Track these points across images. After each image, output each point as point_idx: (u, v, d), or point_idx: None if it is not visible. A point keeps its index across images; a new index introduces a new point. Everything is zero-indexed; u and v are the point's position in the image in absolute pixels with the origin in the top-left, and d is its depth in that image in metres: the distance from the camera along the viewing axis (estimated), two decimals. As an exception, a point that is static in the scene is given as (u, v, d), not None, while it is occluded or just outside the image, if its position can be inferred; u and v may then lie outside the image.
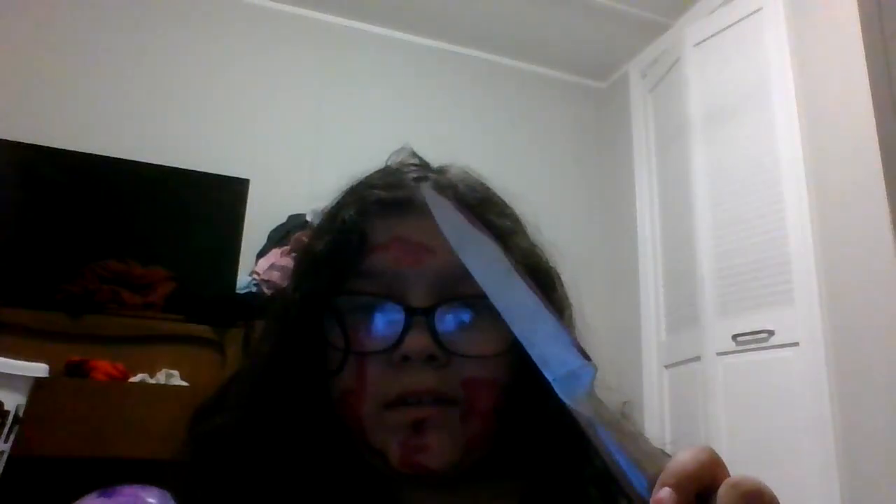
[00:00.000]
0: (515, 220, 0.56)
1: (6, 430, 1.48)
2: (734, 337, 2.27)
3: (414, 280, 0.48)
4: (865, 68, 1.98)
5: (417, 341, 0.46)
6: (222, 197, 2.51)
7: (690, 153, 2.61)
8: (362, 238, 0.50)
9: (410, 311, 0.47)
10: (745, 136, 2.40)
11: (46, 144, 2.34)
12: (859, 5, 2.02)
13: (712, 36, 2.60)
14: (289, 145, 2.83)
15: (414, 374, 0.46)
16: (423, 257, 0.49)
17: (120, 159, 2.41)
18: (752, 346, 2.22)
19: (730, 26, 2.53)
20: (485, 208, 0.53)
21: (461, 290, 0.48)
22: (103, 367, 1.97)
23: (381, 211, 0.51)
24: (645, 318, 2.90)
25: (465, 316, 0.48)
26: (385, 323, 0.48)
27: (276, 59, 2.93)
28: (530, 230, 0.57)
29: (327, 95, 2.96)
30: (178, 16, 2.82)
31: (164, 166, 2.45)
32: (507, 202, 0.57)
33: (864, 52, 1.98)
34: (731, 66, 2.51)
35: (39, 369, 1.75)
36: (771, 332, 2.16)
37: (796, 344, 2.09)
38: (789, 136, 2.22)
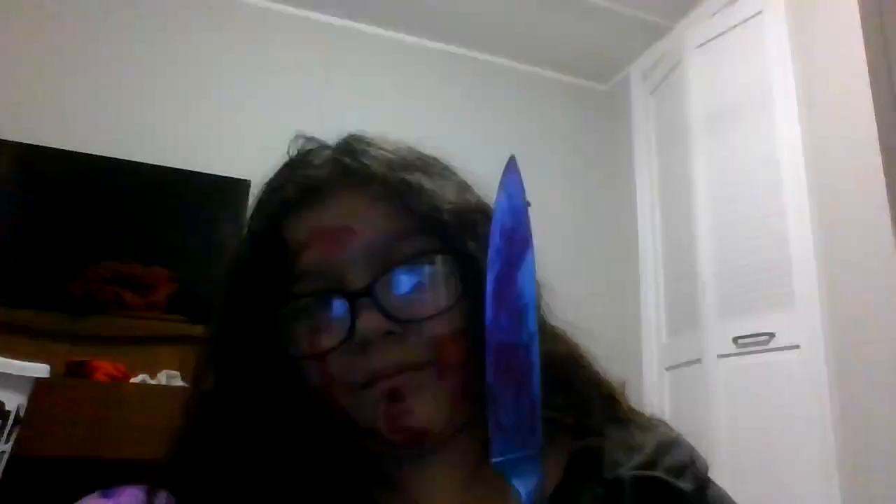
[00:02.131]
0: (439, 177, 0.52)
1: (7, 430, 1.48)
2: (735, 339, 2.27)
3: (346, 265, 0.47)
4: (867, 71, 1.98)
5: (369, 322, 0.45)
6: (224, 198, 2.51)
7: (691, 155, 2.61)
8: (283, 244, 0.48)
9: (351, 296, 0.46)
10: (747, 139, 2.40)
11: (48, 145, 2.34)
12: (860, 7, 2.02)
13: (714, 38, 2.60)
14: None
15: (379, 353, 0.45)
16: (347, 239, 0.47)
17: (121, 160, 2.42)
18: (753, 348, 2.22)
19: (731, 29, 2.53)
20: (402, 169, 0.51)
21: (395, 256, 0.47)
22: (104, 367, 1.97)
23: (292, 210, 0.50)
24: (646, 320, 2.90)
25: (407, 279, 0.47)
26: (333, 316, 0.46)
27: (277, 60, 2.93)
28: (455, 177, 0.54)
29: (329, 96, 2.96)
30: (178, 17, 2.82)
31: (166, 167, 2.45)
32: (426, 159, 0.54)
33: (865, 55, 1.99)
34: (733, 69, 2.51)
35: (41, 369, 1.75)
36: (772, 335, 2.16)
37: (797, 346, 2.08)
38: (790, 138, 2.22)
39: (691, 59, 2.69)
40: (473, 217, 0.50)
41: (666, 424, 0.56)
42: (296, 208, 0.50)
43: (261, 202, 0.53)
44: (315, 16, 3.03)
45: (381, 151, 0.52)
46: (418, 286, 0.47)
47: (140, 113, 2.64)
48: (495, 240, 0.43)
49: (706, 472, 0.53)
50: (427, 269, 0.47)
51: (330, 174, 0.50)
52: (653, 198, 2.99)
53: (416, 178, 0.50)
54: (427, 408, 0.46)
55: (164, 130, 2.64)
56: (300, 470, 0.48)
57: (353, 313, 0.45)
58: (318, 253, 0.47)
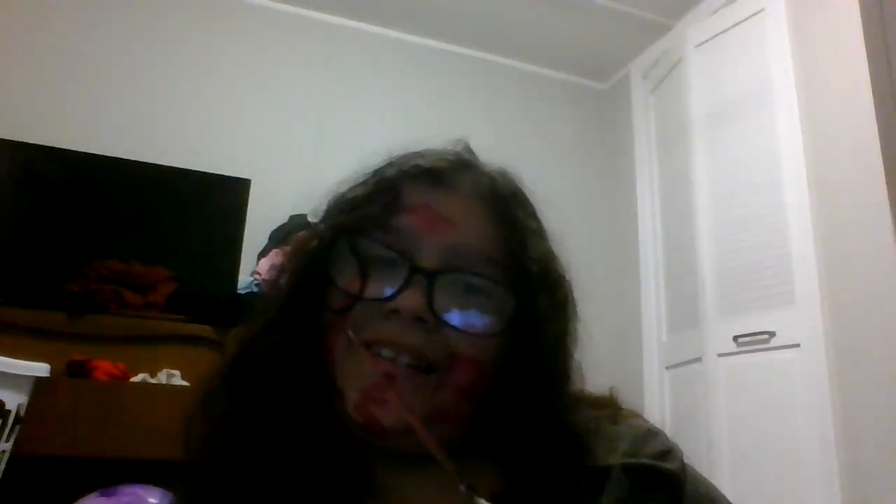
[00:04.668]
0: (539, 222, 0.58)
1: (7, 429, 1.48)
2: (735, 338, 2.27)
3: (428, 245, 0.50)
4: (867, 69, 1.97)
5: (411, 299, 0.47)
6: (223, 197, 2.51)
7: (692, 154, 2.61)
8: (396, 197, 0.52)
9: (414, 270, 0.48)
10: (747, 138, 2.40)
11: (48, 144, 2.34)
12: (861, 6, 2.02)
13: (714, 37, 2.60)
14: (290, 145, 2.83)
15: (400, 328, 0.47)
16: (443, 228, 0.51)
17: (121, 159, 2.41)
18: (754, 347, 2.22)
19: (732, 27, 2.53)
20: (515, 204, 0.55)
21: (471, 266, 0.50)
22: (104, 366, 1.97)
23: (417, 177, 0.54)
24: (646, 318, 2.89)
25: (466, 288, 0.49)
26: (388, 277, 0.49)
27: (277, 59, 2.93)
28: (551, 237, 0.58)
29: (328, 95, 2.96)
30: (178, 16, 2.82)
31: (166, 166, 2.45)
32: (536, 205, 0.59)
33: (866, 53, 1.98)
34: (733, 68, 2.50)
35: (41, 369, 1.75)
36: (772, 334, 2.16)
37: (797, 345, 2.08)
38: (791, 137, 2.22)
39: (691, 57, 2.68)
40: (554, 286, 0.53)
41: (640, 416, 0.57)
42: (421, 177, 0.54)
43: (399, 157, 0.57)
44: (316, 15, 3.03)
45: (512, 185, 0.58)
46: (472, 299, 0.49)
47: (140, 113, 2.64)
48: None
49: (682, 457, 0.55)
50: (488, 293, 0.50)
51: (462, 171, 0.55)
52: (653, 196, 2.99)
53: (527, 222, 0.55)
54: (403, 410, 0.46)
55: (164, 130, 2.64)
56: (295, 473, 0.48)
57: (405, 284, 0.47)
58: (414, 222, 0.51)
